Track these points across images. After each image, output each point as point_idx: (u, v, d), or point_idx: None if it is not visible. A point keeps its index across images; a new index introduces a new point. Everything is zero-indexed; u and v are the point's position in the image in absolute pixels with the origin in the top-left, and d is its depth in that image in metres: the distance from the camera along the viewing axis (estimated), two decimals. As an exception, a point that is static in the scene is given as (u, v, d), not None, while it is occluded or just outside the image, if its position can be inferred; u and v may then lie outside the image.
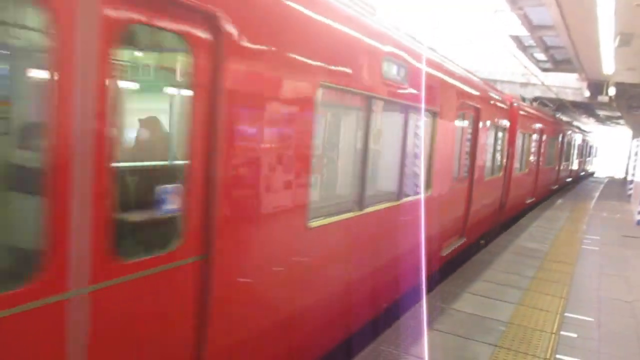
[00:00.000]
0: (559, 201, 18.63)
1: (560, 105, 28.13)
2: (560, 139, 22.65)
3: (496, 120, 10.47)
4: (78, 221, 2.22)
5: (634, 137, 35.68)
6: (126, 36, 2.44)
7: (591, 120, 46.69)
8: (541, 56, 23.13)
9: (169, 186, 2.87)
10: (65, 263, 2.18)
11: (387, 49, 5.08)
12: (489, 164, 10.42)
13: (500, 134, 11.18)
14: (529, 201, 16.10)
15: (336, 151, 4.64)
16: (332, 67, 4.10)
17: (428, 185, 6.69)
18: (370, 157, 5.08)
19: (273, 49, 3.36)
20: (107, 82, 2.29)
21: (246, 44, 3.08)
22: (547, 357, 5.03)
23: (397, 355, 4.78)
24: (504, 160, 11.99)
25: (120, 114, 2.52)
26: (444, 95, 7.00)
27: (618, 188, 28.01)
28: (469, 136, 8.75)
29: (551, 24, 13.59)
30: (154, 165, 3.33)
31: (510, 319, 5.95)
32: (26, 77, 2.75)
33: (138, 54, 2.74)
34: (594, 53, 13.99)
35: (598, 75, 19.53)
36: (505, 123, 11.58)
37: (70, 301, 2.22)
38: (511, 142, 12.48)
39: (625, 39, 11.73)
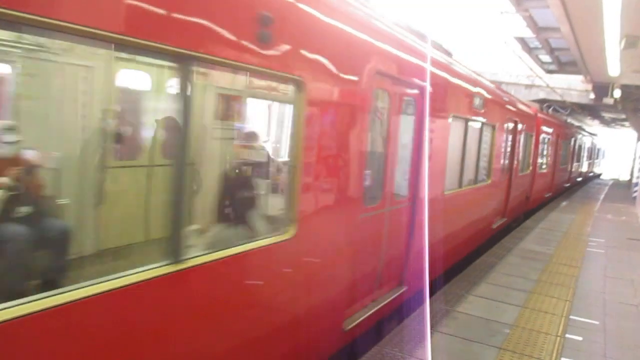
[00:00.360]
0: (564, 203, 18.58)
1: (572, 111, 28.13)
2: (572, 142, 25.75)
3: (526, 128, 13.28)
4: (389, 185, 5.44)
5: (639, 139, 35.49)
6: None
7: (596, 122, 46.63)
8: (546, 58, 23.05)
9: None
10: (385, 199, 5.34)
11: (476, 89, 8.41)
12: (521, 163, 13.18)
13: (528, 139, 14.03)
14: (547, 195, 18.91)
15: (450, 152, 7.43)
16: (456, 105, 7.43)
17: (488, 176, 9.92)
18: (465, 156, 8.29)
19: (440, 98, 6.68)
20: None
21: (433, 97, 6.16)
22: (552, 360, 5.01)
23: (401, 357, 4.77)
24: (530, 160, 14.79)
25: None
26: (498, 114, 10.15)
27: (623, 190, 27.90)
28: (510, 141, 11.65)
29: (556, 26, 13.56)
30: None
31: (515, 322, 5.94)
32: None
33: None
34: (600, 55, 13.93)
35: (603, 78, 19.45)
36: (532, 130, 14.47)
37: (384, 213, 5.30)
38: (535, 146, 15.32)
39: (631, 41, 11.67)
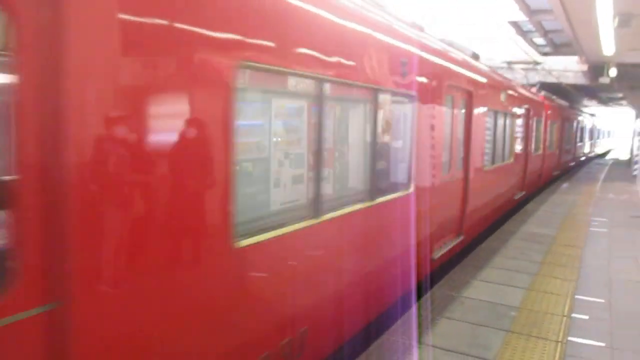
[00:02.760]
0: (565, 185, 18.60)
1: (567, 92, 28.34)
2: (590, 127, 32.78)
3: (551, 118, 17.86)
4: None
5: (637, 116, 35.46)
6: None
7: (593, 103, 46.62)
8: (540, 40, 23.01)
9: None
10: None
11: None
12: (544, 144, 17.05)
13: (555, 126, 18.87)
14: (572, 164, 24.75)
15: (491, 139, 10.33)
16: (501, 104, 10.48)
17: (510, 154, 12.24)
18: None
19: (481, 100, 8.82)
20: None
21: (476, 98, 8.34)
22: (560, 339, 5.05)
23: (410, 344, 4.81)
24: (557, 142, 19.86)
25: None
26: (539, 110, 15.25)
27: (623, 169, 27.90)
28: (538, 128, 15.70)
29: (549, 7, 13.53)
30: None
31: (521, 304, 5.98)
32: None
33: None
34: (593, 35, 13.91)
35: (598, 57, 19.37)
36: (557, 119, 19.35)
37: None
38: (560, 130, 20.66)
39: (624, 20, 11.64)
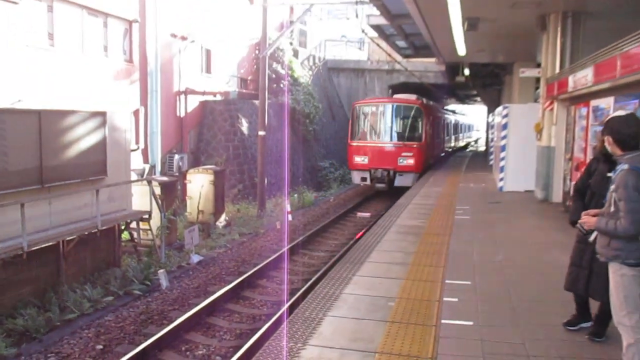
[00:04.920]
0: (432, 178, 19.98)
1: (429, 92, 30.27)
2: (458, 124, 42.56)
3: (433, 118, 24.38)
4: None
5: (489, 112, 39.18)
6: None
7: (453, 100, 50.74)
8: (402, 43, 24.40)
9: None
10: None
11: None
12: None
13: (435, 123, 25.06)
14: (442, 155, 30.93)
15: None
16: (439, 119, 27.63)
17: (432, 139, 25.54)
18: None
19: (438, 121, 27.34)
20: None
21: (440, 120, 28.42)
22: (434, 323, 5.39)
23: (299, 347, 4.84)
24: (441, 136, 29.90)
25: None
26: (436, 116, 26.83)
27: (481, 159, 30.64)
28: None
29: (408, 12, 14.42)
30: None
31: (398, 294, 6.29)
32: None
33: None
34: (448, 37, 15.08)
35: (454, 58, 21.04)
36: (437, 118, 25.96)
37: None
38: (438, 127, 27.96)
39: (472, 23, 12.76)
